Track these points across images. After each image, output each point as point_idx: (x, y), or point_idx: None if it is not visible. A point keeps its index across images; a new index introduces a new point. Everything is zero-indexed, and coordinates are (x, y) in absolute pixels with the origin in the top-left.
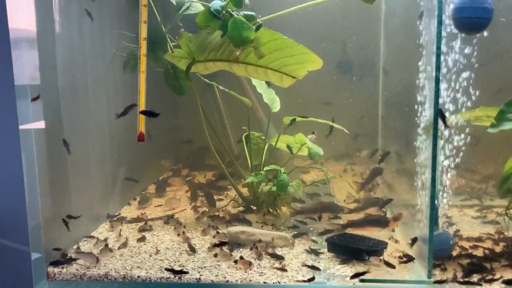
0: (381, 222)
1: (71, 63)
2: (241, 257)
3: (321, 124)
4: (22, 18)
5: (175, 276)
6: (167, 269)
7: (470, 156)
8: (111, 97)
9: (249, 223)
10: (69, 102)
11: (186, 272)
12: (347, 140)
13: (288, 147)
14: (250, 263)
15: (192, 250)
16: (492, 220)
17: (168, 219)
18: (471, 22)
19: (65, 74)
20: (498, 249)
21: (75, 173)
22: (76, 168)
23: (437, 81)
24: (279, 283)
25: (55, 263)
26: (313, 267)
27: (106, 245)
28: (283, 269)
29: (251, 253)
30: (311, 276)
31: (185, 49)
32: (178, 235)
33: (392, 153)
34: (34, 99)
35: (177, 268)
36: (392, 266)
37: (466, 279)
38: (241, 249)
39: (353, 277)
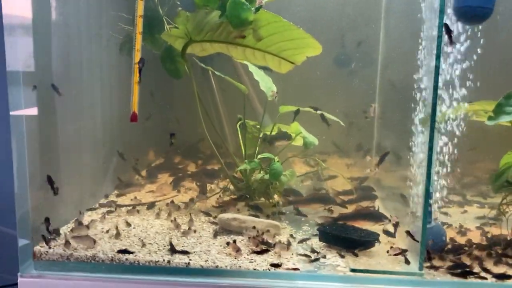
0: (375, 217)
1: (66, 50)
2: (234, 241)
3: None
4: (17, 4)
5: (164, 260)
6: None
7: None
8: (105, 85)
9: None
10: (63, 89)
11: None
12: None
13: (283, 133)
14: (238, 249)
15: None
16: (483, 215)
17: (153, 205)
18: (472, 11)
19: (59, 61)
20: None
21: (66, 159)
22: (68, 154)
23: (437, 71)
24: (269, 270)
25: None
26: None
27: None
28: (277, 265)
29: (247, 242)
30: (300, 265)
31: (182, 28)
32: (171, 221)
33: (388, 145)
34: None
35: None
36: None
37: (455, 271)
38: (231, 236)
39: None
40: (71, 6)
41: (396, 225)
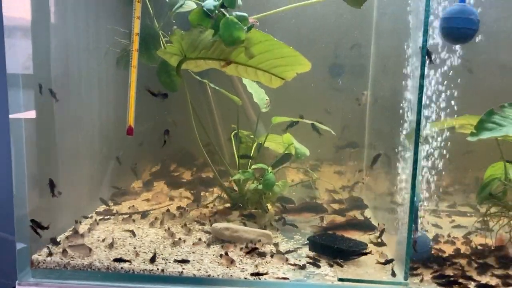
0: (364, 227)
1: (65, 53)
2: (226, 253)
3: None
4: (17, 6)
5: (158, 269)
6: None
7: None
8: (103, 89)
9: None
10: (62, 92)
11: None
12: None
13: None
14: (232, 260)
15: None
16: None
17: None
18: (458, 32)
19: (58, 64)
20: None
21: (64, 164)
22: (65, 159)
23: (421, 89)
24: (259, 279)
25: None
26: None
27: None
28: (261, 274)
29: (239, 252)
30: (291, 274)
31: (177, 46)
32: (165, 230)
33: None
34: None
35: (160, 261)
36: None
37: (440, 281)
38: (224, 245)
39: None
40: (70, 11)
41: (381, 232)
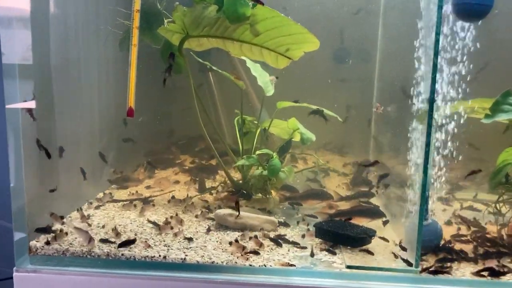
0: (370, 213)
1: (64, 42)
2: (236, 240)
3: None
4: None
5: (160, 256)
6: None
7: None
8: (102, 78)
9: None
10: (61, 82)
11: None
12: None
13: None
14: (243, 247)
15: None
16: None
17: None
18: (471, 8)
19: (57, 54)
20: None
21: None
22: (64, 148)
23: (435, 68)
24: (265, 266)
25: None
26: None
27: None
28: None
29: (248, 241)
30: (296, 261)
31: (179, 23)
32: (171, 217)
33: (384, 141)
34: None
35: (163, 247)
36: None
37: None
38: (228, 232)
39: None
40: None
41: (385, 223)
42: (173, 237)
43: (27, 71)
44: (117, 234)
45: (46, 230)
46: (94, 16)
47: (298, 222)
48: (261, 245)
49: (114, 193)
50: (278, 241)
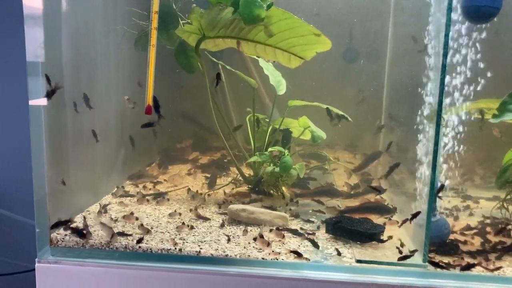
0: (380, 210)
1: (78, 40)
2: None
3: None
4: None
5: (175, 248)
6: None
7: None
8: (118, 74)
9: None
10: (74, 79)
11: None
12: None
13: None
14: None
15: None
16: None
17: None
18: (479, 10)
19: (71, 52)
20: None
21: (81, 148)
22: (82, 143)
23: (443, 69)
24: (277, 259)
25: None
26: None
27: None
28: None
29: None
30: (307, 255)
31: (196, 24)
32: (190, 210)
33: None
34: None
35: (178, 240)
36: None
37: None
38: (241, 226)
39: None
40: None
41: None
42: (189, 231)
43: (51, 68)
44: (141, 226)
45: (66, 223)
46: (112, 17)
47: (308, 220)
48: (283, 236)
49: (130, 189)
50: (297, 231)
